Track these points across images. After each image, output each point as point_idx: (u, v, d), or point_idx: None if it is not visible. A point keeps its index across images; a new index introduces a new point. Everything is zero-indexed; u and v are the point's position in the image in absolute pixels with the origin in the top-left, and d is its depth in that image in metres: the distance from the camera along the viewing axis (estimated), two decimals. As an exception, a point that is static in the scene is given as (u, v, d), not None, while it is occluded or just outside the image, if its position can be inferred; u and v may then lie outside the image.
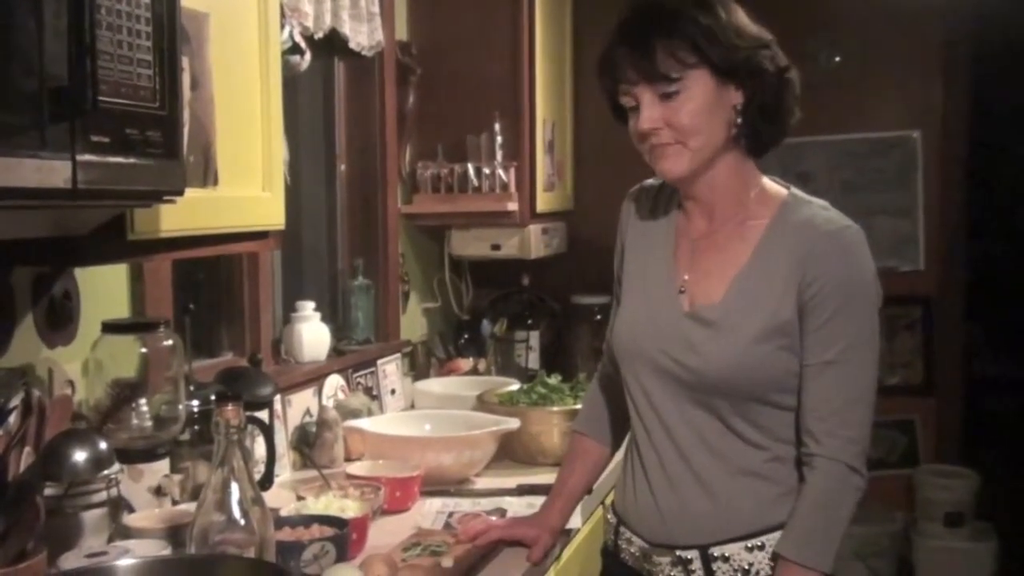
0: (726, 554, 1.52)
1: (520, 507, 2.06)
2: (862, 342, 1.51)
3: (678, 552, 1.55)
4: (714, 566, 1.52)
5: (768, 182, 1.60)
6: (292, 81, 2.44)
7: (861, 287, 1.51)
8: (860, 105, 3.77)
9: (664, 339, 1.57)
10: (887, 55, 3.75)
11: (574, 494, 1.82)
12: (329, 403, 2.55)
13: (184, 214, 1.42)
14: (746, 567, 1.52)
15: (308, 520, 1.73)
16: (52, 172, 1.06)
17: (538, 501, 1.95)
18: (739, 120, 1.52)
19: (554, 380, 2.65)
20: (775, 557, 1.51)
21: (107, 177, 1.14)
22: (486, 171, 3.10)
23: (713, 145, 1.52)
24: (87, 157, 1.10)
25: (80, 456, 1.35)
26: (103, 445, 1.39)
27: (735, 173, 1.57)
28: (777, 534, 1.51)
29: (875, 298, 1.53)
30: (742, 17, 1.53)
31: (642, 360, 1.60)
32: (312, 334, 2.62)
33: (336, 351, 2.76)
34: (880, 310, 1.54)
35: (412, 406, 2.95)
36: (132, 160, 1.18)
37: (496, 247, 3.25)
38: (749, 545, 1.52)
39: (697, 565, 1.54)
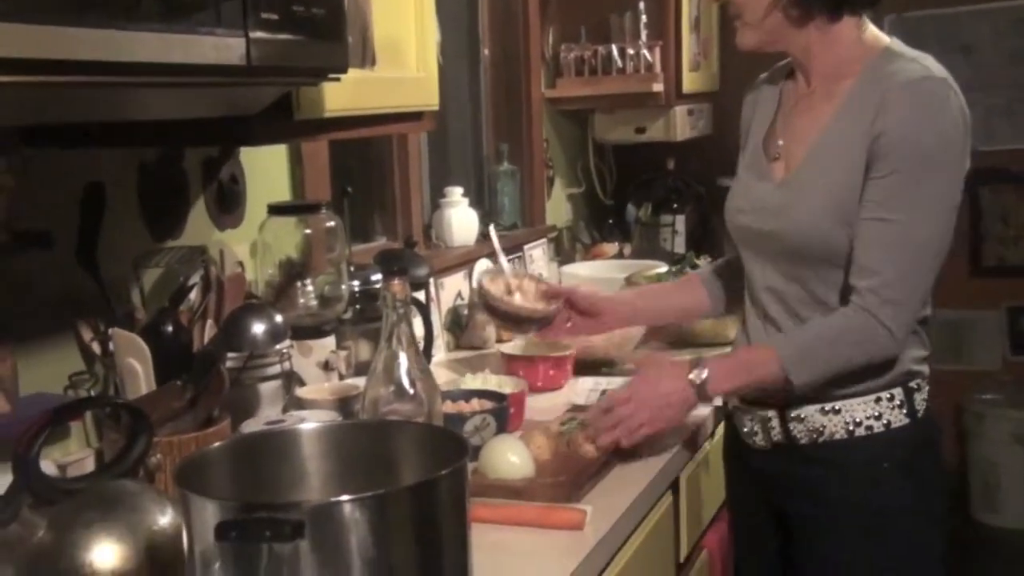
0: (801, 415, 1.56)
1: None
2: (922, 204, 1.45)
3: (758, 412, 1.62)
4: (791, 425, 1.57)
5: (870, 39, 1.55)
6: (436, -37, 2.42)
7: (932, 144, 1.44)
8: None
9: (754, 208, 1.60)
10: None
11: (652, 303, 1.91)
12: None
13: (345, 94, 1.44)
14: (820, 428, 1.55)
15: (468, 394, 1.78)
16: (228, 49, 1.09)
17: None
18: None
19: (703, 262, 2.62)
20: (848, 423, 1.53)
21: (278, 54, 1.16)
22: (630, 52, 3.04)
23: (767, 17, 1.51)
24: (259, 34, 1.12)
25: (259, 328, 1.42)
26: (279, 319, 1.45)
27: (823, 36, 1.53)
28: (852, 401, 1.53)
29: (953, 160, 1.45)
30: None
31: (739, 233, 1.65)
32: (461, 219, 2.66)
33: (484, 236, 2.79)
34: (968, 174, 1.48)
35: (559, 290, 2.97)
36: (300, 37, 1.20)
37: (640, 130, 3.21)
38: (825, 408, 1.54)
39: (775, 423, 1.59)
